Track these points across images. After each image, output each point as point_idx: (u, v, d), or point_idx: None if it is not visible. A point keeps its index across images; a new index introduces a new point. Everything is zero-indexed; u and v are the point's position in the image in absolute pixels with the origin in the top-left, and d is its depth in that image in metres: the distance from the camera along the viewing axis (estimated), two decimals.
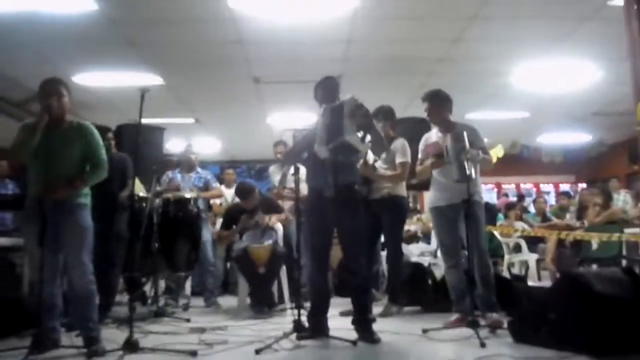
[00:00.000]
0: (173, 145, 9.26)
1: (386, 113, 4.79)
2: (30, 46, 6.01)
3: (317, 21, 5.54)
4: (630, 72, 3.73)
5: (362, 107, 3.54)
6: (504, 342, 3.44)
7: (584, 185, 10.35)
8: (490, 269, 3.98)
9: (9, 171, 6.49)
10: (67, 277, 3.45)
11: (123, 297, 5.71)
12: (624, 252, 5.11)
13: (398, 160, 4.61)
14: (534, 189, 11.74)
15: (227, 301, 5.92)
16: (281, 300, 5.14)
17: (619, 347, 2.90)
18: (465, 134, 3.69)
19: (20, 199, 4.58)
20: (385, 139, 3.96)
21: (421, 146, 4.22)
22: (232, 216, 5.41)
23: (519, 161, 10.53)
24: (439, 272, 5.89)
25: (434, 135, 4.16)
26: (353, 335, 3.61)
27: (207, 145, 10.71)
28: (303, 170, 5.83)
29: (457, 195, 3.77)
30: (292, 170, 5.71)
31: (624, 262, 5.03)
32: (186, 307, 5.35)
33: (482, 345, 3.27)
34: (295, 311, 3.61)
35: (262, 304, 4.91)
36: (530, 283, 5.33)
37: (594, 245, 5.00)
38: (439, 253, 6.22)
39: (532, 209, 8.25)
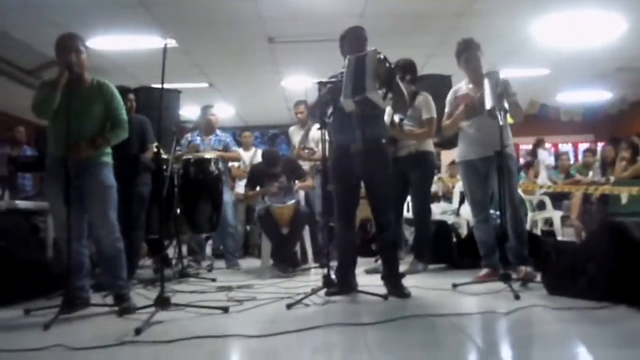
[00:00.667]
0: (187, 111, 9.17)
1: (405, 67, 4.63)
2: (43, 11, 5.90)
3: None
4: None
5: (384, 61, 3.41)
6: (538, 294, 3.39)
7: (602, 144, 10.15)
8: (523, 222, 3.90)
9: (27, 136, 6.46)
10: (94, 237, 3.42)
11: (145, 261, 5.74)
12: None
13: (424, 116, 4.50)
14: (552, 149, 11.52)
15: (247, 263, 5.93)
16: (304, 259, 5.12)
17: None
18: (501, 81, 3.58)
19: (40, 161, 4.55)
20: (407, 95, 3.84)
21: (449, 98, 4.09)
22: (257, 176, 5.35)
23: (537, 121, 10.32)
24: (462, 230, 5.85)
25: (463, 87, 4.03)
26: (382, 290, 3.57)
27: (221, 111, 10.59)
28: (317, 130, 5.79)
29: (488, 148, 3.66)
30: (315, 127, 5.67)
31: None
32: (210, 268, 5.35)
33: (517, 297, 3.22)
34: (323, 269, 3.57)
35: (286, 263, 4.89)
36: (559, 238, 5.26)
37: (624, 200, 4.89)
38: (461, 211, 6.18)
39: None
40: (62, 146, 3.24)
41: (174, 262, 5.18)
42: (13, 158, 5.20)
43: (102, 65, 7.49)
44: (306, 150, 5.55)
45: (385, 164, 3.67)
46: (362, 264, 4.49)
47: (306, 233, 5.18)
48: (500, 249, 3.79)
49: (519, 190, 6.15)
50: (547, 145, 11.80)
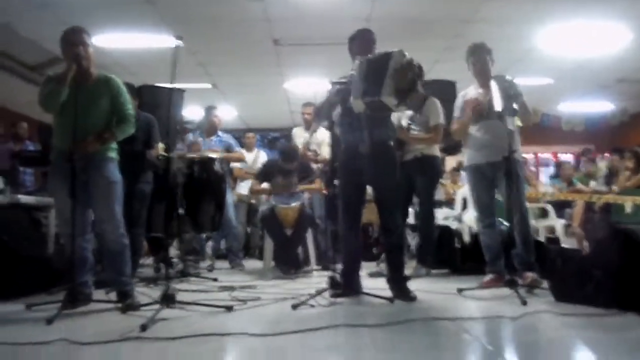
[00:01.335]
0: (189, 112, 9.14)
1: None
2: (48, 6, 5.88)
3: None
4: None
5: (412, 64, 3.37)
6: (545, 300, 3.37)
7: (607, 154, 10.16)
8: (530, 228, 3.88)
9: (29, 132, 6.43)
10: (99, 232, 3.39)
11: (145, 260, 5.70)
12: None
13: (432, 122, 4.48)
14: (553, 159, 11.54)
15: (248, 264, 5.90)
16: (306, 262, 5.10)
17: None
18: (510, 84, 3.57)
19: (44, 156, 4.53)
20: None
21: (458, 103, 4.08)
22: (268, 171, 5.33)
23: (538, 130, 10.32)
24: (464, 236, 5.82)
25: (472, 91, 4.02)
26: (387, 293, 3.54)
27: (223, 112, 10.55)
28: (326, 133, 5.77)
29: (497, 153, 3.65)
30: (320, 129, 5.66)
31: None
32: (210, 269, 5.32)
33: (524, 302, 3.19)
34: (325, 271, 3.55)
35: (288, 265, 4.86)
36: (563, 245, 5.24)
37: (628, 209, 4.88)
38: (463, 217, 6.15)
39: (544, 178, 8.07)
40: (68, 140, 3.21)
41: (175, 261, 5.15)
42: (17, 152, 5.16)
43: (104, 63, 7.46)
44: (309, 153, 5.53)
45: (392, 166, 3.66)
46: (364, 268, 4.46)
47: (309, 235, 5.15)
48: (506, 255, 3.77)
49: None
50: (548, 154, 11.87)
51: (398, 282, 3.59)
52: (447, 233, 5.25)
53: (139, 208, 4.60)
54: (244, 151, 6.56)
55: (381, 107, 3.39)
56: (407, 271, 4.42)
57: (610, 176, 6.19)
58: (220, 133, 5.84)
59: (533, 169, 10.10)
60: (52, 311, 3.00)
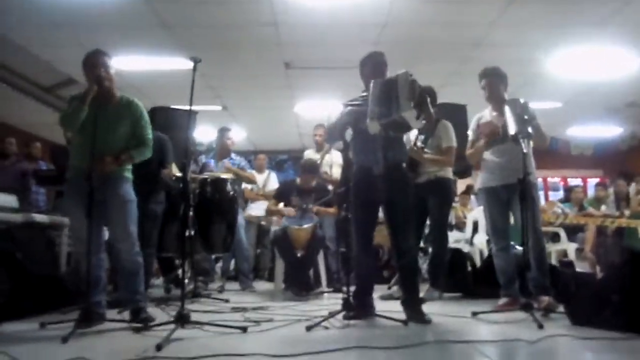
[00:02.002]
0: (199, 134, 9.20)
1: (427, 92, 4.66)
2: (64, 28, 5.99)
3: (356, 2, 5.44)
4: None
5: (416, 82, 3.43)
6: (561, 324, 3.33)
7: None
8: (545, 251, 3.86)
9: (42, 152, 6.50)
10: (114, 251, 3.39)
11: (154, 280, 5.68)
12: None
13: (444, 145, 4.50)
14: (562, 183, 11.52)
15: (258, 286, 5.87)
16: (317, 284, 5.07)
17: None
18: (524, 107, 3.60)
19: (59, 175, 4.57)
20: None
21: (473, 126, 4.11)
22: (284, 191, 5.35)
23: (547, 154, 10.33)
24: (476, 259, 5.80)
25: (487, 114, 4.05)
26: (401, 316, 3.51)
27: (233, 134, 10.64)
28: (337, 155, 5.80)
29: (511, 175, 3.65)
30: (332, 151, 5.68)
31: None
32: (221, 290, 5.30)
33: (540, 326, 3.16)
34: (336, 293, 3.52)
35: (299, 286, 4.84)
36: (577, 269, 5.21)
37: None
38: (475, 240, 6.14)
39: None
40: (86, 159, 3.25)
41: (185, 281, 5.12)
42: (34, 171, 5.21)
43: (119, 85, 7.57)
44: (323, 174, 5.54)
45: (406, 187, 3.67)
46: (376, 291, 4.43)
47: (320, 257, 5.14)
48: (521, 278, 3.74)
49: None
50: (557, 179, 11.84)
51: (412, 305, 3.56)
52: (460, 256, 5.22)
53: (150, 228, 4.60)
54: (254, 172, 6.58)
55: (400, 124, 3.43)
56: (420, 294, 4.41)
57: (618, 200, 6.17)
58: (233, 155, 5.87)
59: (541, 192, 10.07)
60: (65, 330, 2.99)
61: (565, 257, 5.80)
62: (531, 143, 3.71)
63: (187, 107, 3.63)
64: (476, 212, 6.29)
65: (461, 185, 7.75)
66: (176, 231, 4.85)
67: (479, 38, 6.34)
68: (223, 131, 5.94)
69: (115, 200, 3.36)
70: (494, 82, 4.00)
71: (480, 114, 4.14)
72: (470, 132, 4.14)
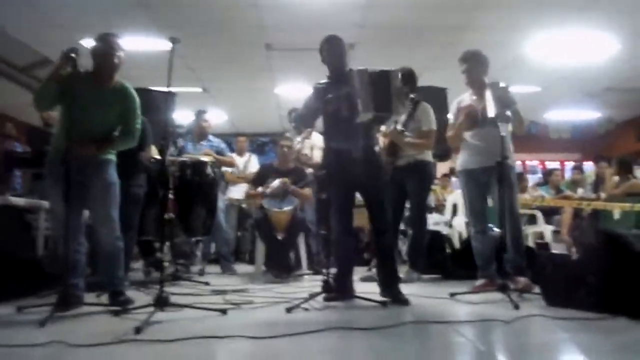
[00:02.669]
0: (178, 116, 9.09)
1: (405, 77, 4.65)
2: (39, 8, 5.84)
3: None
4: None
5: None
6: (537, 304, 3.40)
7: (590, 162, 10.30)
8: (522, 233, 3.92)
9: (16, 133, 6.33)
10: (94, 234, 3.35)
11: (134, 263, 5.65)
12: None
13: (424, 127, 4.52)
14: (540, 167, 11.66)
15: (239, 268, 5.88)
16: (298, 266, 5.10)
17: None
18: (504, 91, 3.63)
19: (36, 157, 4.50)
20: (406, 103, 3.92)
21: (453, 109, 4.12)
22: (262, 175, 5.33)
23: (525, 137, 10.44)
24: (454, 241, 5.88)
25: (467, 98, 4.06)
26: (380, 297, 3.56)
27: (213, 117, 10.52)
28: (318, 138, 5.79)
29: (490, 158, 3.68)
30: (314, 134, 5.67)
31: None
32: (201, 272, 5.30)
33: (516, 307, 3.22)
34: (316, 275, 3.56)
35: (279, 269, 4.85)
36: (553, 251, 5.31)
37: (615, 216, 4.96)
38: (454, 223, 6.21)
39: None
40: (68, 141, 3.21)
41: (166, 264, 5.11)
42: (8, 152, 5.09)
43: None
44: (302, 156, 5.53)
45: (382, 169, 3.76)
46: (356, 273, 4.47)
47: (300, 240, 5.16)
48: (498, 260, 3.80)
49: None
50: (535, 162, 11.98)
51: (391, 286, 3.60)
52: (438, 238, 5.28)
53: (131, 211, 4.56)
54: (235, 155, 6.54)
55: (387, 119, 3.63)
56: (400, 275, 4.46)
57: (597, 184, 6.28)
58: (210, 137, 5.82)
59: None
60: (43, 314, 2.97)
61: (542, 239, 5.91)
62: (510, 127, 3.74)
63: (165, 89, 3.59)
64: (456, 195, 6.36)
65: (442, 167, 7.81)
66: (156, 214, 4.82)
67: (463, 22, 6.35)
68: (199, 113, 5.87)
69: (98, 183, 3.31)
70: (473, 67, 4.01)
71: (460, 97, 4.16)
72: (450, 116, 4.16)
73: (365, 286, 4.11)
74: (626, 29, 6.37)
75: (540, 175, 9.99)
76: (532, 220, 6.28)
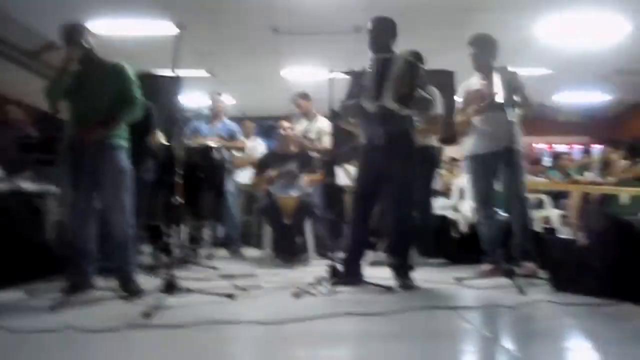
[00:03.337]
0: (185, 99, 9.08)
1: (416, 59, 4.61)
2: None
3: None
4: None
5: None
6: (543, 290, 3.41)
7: (598, 145, 10.20)
8: (529, 218, 3.92)
9: (24, 117, 6.29)
10: (106, 220, 3.37)
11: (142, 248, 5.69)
12: None
13: (430, 113, 4.48)
14: (548, 149, 11.57)
15: (246, 253, 5.90)
16: (304, 250, 5.12)
17: None
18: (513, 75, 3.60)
19: (46, 143, 4.52)
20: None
21: (461, 93, 4.09)
22: (265, 161, 5.34)
23: (534, 120, 10.37)
24: (461, 226, 5.86)
25: (475, 82, 4.03)
26: (387, 282, 3.57)
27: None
28: (325, 123, 5.77)
29: (498, 143, 3.67)
30: (320, 118, 5.64)
31: None
32: (209, 257, 5.33)
33: (522, 292, 3.23)
34: (323, 260, 3.58)
35: (287, 253, 4.88)
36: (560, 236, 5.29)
37: (624, 200, 4.92)
38: (460, 207, 6.18)
39: None
40: (75, 127, 3.24)
41: (175, 249, 5.15)
42: (18, 138, 5.09)
43: (99, 50, 7.41)
44: (307, 141, 5.54)
45: (407, 158, 3.64)
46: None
47: (307, 224, 5.17)
48: (505, 245, 3.81)
49: None
50: (543, 145, 11.88)
51: (402, 271, 3.61)
52: (445, 222, 5.28)
53: (140, 196, 4.58)
54: (244, 139, 6.54)
55: (387, 110, 3.52)
56: None
57: (604, 167, 6.23)
58: (225, 119, 5.84)
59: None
60: (52, 299, 3.01)
61: (549, 224, 5.88)
62: (517, 111, 3.71)
63: (171, 73, 3.58)
64: (462, 179, 6.33)
65: (451, 152, 7.77)
66: (164, 199, 4.83)
67: (471, 3, 6.26)
68: (214, 94, 5.87)
69: (108, 169, 3.32)
70: (481, 51, 3.97)
71: (468, 81, 4.12)
72: (458, 100, 4.13)
73: (374, 271, 4.13)
74: (638, 11, 6.26)
75: (547, 158, 9.92)
76: (539, 204, 6.25)
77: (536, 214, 6.35)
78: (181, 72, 7.62)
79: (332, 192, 5.04)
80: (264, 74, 9.17)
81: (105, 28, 6.76)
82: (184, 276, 4.07)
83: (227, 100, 10.74)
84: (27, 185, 4.42)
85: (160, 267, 4.46)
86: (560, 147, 11.42)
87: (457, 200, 6.41)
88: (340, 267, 3.61)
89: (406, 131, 3.68)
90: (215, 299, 3.16)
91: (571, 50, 7.78)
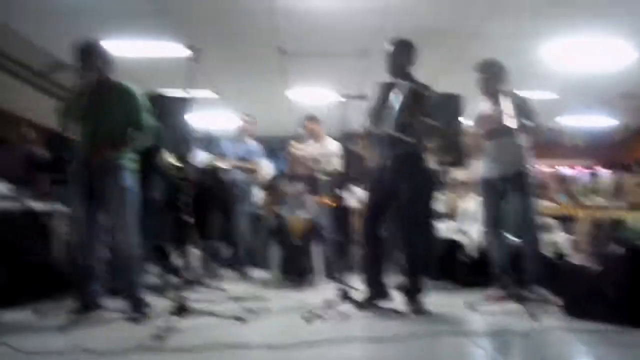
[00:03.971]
0: (190, 120, 9.12)
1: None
2: (61, 13, 5.89)
3: None
4: None
5: (416, 95, 3.50)
6: (555, 316, 3.38)
7: (604, 169, 10.19)
8: (539, 243, 3.89)
9: (35, 137, 6.32)
10: (113, 240, 3.37)
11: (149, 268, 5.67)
12: None
13: None
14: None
15: (254, 274, 5.87)
16: (312, 272, 5.09)
17: None
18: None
19: (57, 163, 4.54)
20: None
21: (473, 117, 4.11)
22: (274, 184, 5.36)
23: (540, 144, 10.37)
24: (469, 249, 5.83)
25: (487, 107, 4.04)
26: (397, 306, 3.55)
27: (227, 121, 10.60)
28: (335, 145, 5.78)
29: (509, 167, 3.67)
30: (327, 139, 5.65)
31: None
32: (217, 278, 5.30)
33: (534, 318, 3.20)
34: (332, 282, 3.55)
35: (295, 274, 4.86)
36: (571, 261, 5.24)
37: (635, 225, 4.89)
38: (470, 230, 6.16)
39: None
40: (85, 148, 3.26)
41: (183, 270, 5.13)
42: (29, 156, 5.10)
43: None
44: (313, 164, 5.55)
45: (414, 180, 3.62)
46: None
47: (315, 246, 5.15)
48: (515, 269, 3.78)
49: None
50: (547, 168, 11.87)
51: (413, 295, 3.58)
52: (452, 246, 5.25)
53: (147, 216, 4.58)
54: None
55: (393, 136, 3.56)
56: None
57: (617, 192, 6.21)
58: (248, 140, 5.92)
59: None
60: (60, 318, 3.00)
61: (559, 249, 5.84)
62: (527, 136, 3.72)
63: (180, 94, 3.59)
64: (469, 202, 6.31)
65: (461, 175, 7.74)
66: (172, 219, 4.83)
67: (478, 28, 6.31)
68: (242, 115, 6.09)
69: (114, 189, 3.33)
70: (488, 78, 4.00)
71: (481, 106, 4.11)
72: (469, 124, 4.14)
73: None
74: None
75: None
76: (549, 228, 6.22)
77: (546, 238, 6.33)
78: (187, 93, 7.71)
79: (340, 214, 5.02)
80: (270, 94, 9.23)
81: (117, 49, 6.84)
82: (193, 298, 4.06)
83: (233, 120, 10.83)
84: (37, 204, 4.43)
85: (168, 287, 4.44)
86: (565, 171, 11.41)
87: (461, 223, 6.38)
88: (348, 290, 3.58)
89: (406, 152, 3.64)
90: (225, 322, 3.14)
91: (576, 74, 7.82)
